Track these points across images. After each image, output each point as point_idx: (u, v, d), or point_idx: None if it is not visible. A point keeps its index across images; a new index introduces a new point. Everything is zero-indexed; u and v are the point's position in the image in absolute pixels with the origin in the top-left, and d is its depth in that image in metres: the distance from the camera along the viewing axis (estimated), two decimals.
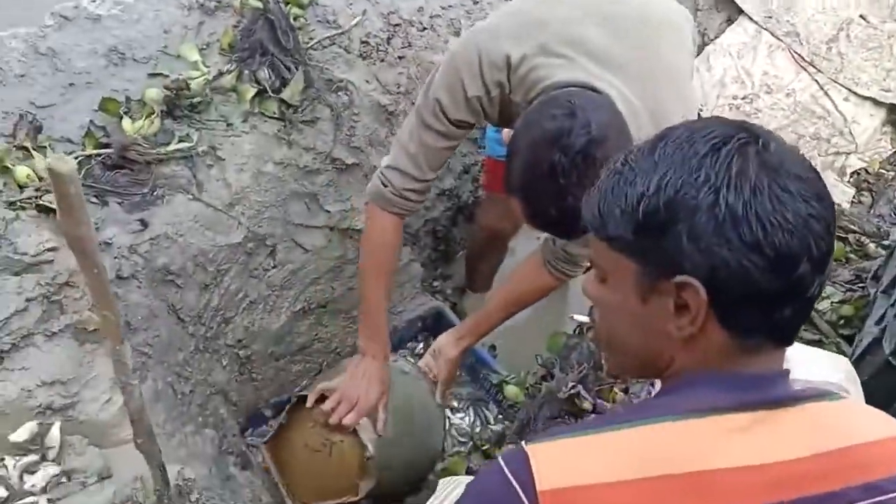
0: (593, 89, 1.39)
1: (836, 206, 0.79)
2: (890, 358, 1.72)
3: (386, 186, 1.69)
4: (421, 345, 2.40)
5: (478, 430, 2.08)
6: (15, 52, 1.99)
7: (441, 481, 1.27)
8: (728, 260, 0.73)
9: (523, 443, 0.78)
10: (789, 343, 0.80)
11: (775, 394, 0.78)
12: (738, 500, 0.73)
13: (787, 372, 0.81)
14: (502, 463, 0.78)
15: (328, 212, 2.26)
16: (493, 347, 2.52)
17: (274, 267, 2.17)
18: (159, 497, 1.27)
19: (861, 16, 3.20)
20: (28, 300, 1.61)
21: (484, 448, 1.87)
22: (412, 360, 2.13)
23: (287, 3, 2.30)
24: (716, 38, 3.19)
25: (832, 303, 2.03)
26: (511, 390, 2.12)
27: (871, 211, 3.11)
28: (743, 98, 3.06)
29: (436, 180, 1.75)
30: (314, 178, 2.22)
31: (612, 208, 0.79)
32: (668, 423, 0.76)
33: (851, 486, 0.75)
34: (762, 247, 0.72)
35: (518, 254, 2.71)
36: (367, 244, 1.81)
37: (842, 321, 2.00)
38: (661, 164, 0.76)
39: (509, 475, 0.76)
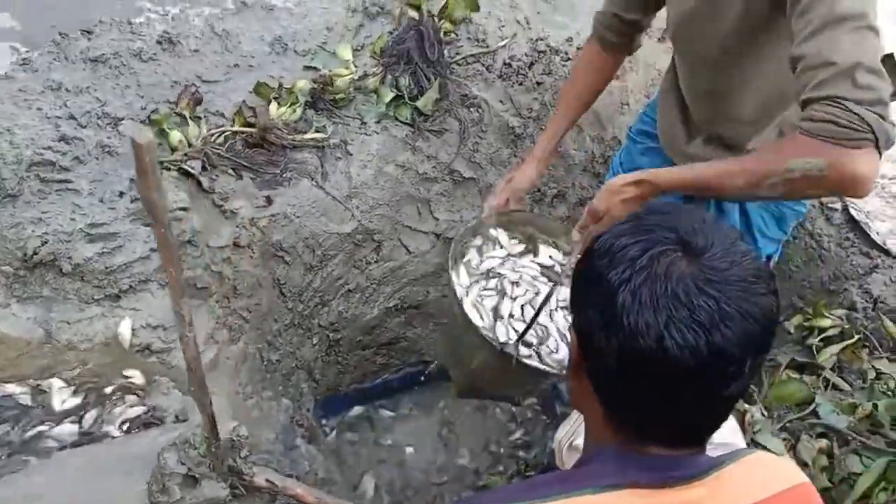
0: None
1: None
2: None
3: (598, 11, 1.83)
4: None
5: (532, 454, 2.07)
6: (195, 30, 2.24)
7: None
8: (584, 325, 0.80)
9: None
10: (669, 445, 0.80)
11: (684, 471, 0.79)
12: None
13: (698, 451, 0.82)
14: None
15: (437, 219, 2.34)
16: None
17: (377, 261, 2.28)
18: (208, 444, 1.39)
19: None
20: (152, 250, 1.81)
21: (528, 475, 1.86)
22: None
23: (442, 18, 2.41)
24: None
25: None
26: None
27: None
28: None
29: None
30: (430, 186, 2.31)
31: None
32: (591, 496, 0.78)
33: None
34: (608, 327, 0.76)
35: None
36: (572, 69, 2.02)
37: None
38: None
39: None
